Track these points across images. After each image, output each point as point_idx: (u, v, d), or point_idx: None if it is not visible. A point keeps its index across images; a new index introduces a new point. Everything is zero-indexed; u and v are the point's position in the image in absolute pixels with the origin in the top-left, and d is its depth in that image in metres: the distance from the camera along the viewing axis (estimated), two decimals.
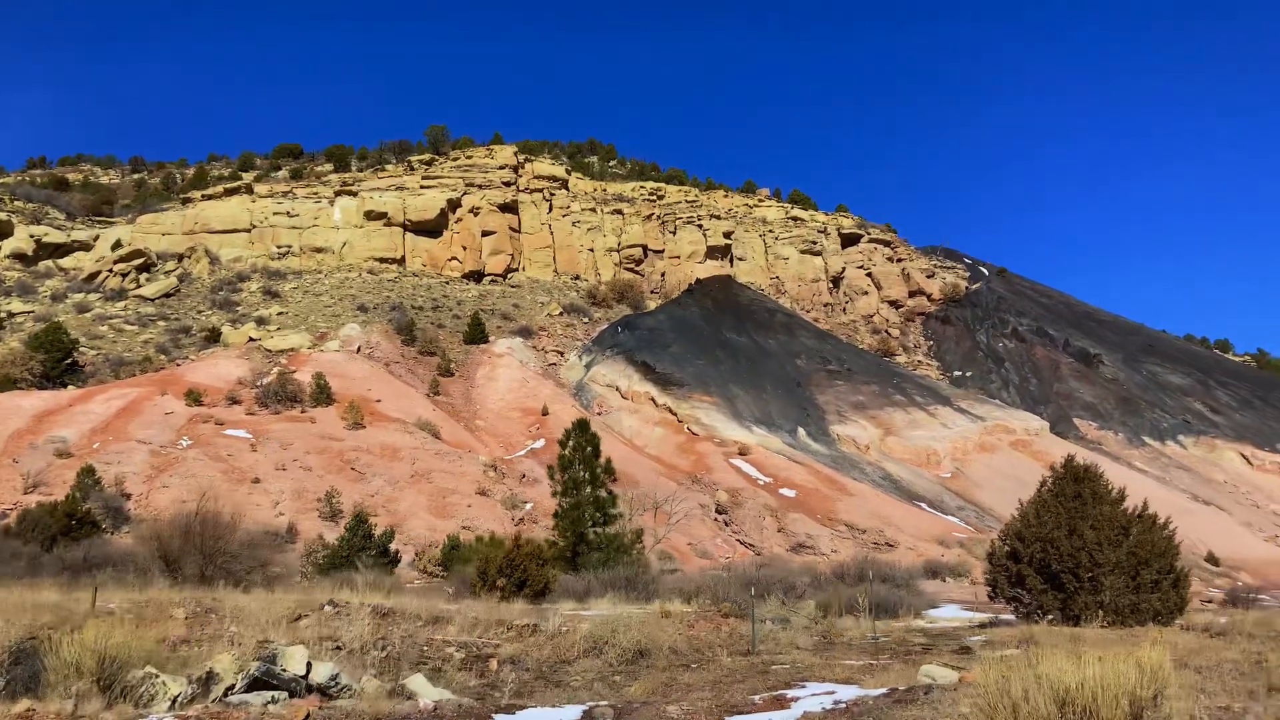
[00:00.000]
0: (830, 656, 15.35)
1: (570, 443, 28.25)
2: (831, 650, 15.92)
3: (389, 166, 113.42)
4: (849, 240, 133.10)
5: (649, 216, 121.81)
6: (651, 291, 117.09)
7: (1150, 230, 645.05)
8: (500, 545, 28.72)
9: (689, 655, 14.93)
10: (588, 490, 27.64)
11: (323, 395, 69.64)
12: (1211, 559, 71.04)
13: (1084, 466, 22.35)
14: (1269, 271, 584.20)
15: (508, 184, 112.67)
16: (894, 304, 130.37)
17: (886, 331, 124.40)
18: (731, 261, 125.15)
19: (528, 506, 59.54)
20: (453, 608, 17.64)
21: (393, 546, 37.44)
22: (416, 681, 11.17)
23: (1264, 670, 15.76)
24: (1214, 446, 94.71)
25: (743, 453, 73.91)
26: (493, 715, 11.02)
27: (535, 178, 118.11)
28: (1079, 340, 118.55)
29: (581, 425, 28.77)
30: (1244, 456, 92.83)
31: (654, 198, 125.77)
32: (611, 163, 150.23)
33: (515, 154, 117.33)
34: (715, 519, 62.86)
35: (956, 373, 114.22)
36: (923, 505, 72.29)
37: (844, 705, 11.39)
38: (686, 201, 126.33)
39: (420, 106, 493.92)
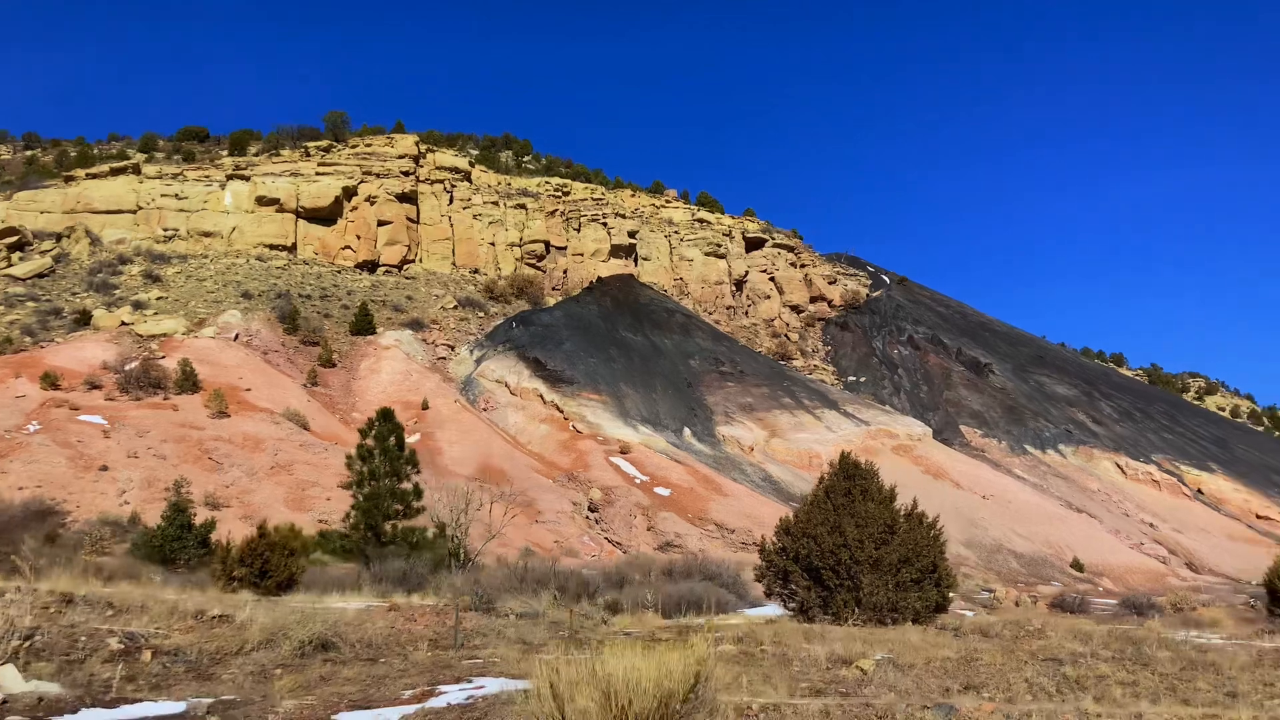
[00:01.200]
0: (543, 651, 14.84)
1: (373, 432, 27.28)
2: (545, 647, 15.36)
3: (284, 152, 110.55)
4: (754, 244, 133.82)
5: (553, 213, 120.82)
6: (553, 288, 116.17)
7: (1061, 248, 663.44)
8: (298, 536, 27.66)
9: (383, 649, 14.23)
10: (386, 482, 26.69)
11: (188, 382, 67.28)
12: (1077, 564, 72.74)
13: (857, 463, 22.14)
14: (1164, 289, 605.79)
15: (407, 174, 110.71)
16: (795, 309, 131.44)
17: (786, 336, 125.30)
18: (636, 261, 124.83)
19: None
20: (169, 597, 16.67)
21: (224, 538, 36.01)
22: (5, 674, 10.29)
23: (970, 667, 15.66)
24: (1091, 456, 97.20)
25: (624, 451, 73.47)
26: (83, 709, 10.22)
27: (437, 169, 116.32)
28: (971, 349, 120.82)
29: (385, 414, 27.86)
30: (1119, 466, 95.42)
31: (559, 194, 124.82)
32: (526, 158, 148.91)
33: (416, 144, 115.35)
34: (587, 517, 62.28)
35: (851, 378, 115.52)
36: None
37: (471, 701, 10.86)
38: (593, 199, 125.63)
39: (339, 98, 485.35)
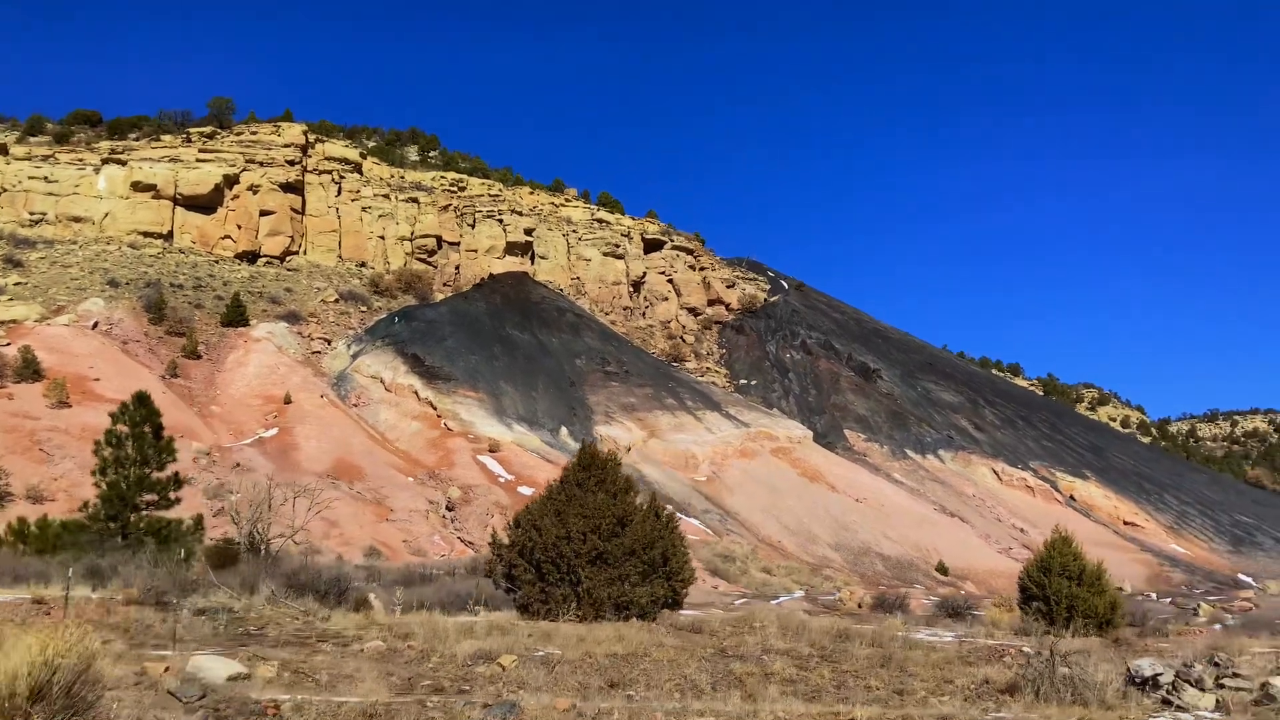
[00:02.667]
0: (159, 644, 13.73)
1: (125, 417, 25.66)
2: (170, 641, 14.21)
3: (166, 138, 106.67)
4: (653, 246, 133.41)
5: (447, 208, 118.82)
6: (444, 284, 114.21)
7: (974, 259, 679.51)
8: (47, 527, 25.91)
9: None
10: (134, 470, 25.12)
11: (29, 370, 64.13)
12: (942, 568, 73.49)
13: (597, 454, 21.29)
14: (1056, 299, 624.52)
15: (293, 163, 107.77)
16: (693, 311, 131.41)
17: (681, 338, 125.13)
18: (533, 259, 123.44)
19: (233, 496, 56.12)
20: None
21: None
22: None
23: (631, 664, 14.88)
24: (970, 461, 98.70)
25: (493, 450, 72.16)
26: None
27: (326, 159, 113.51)
28: (862, 355, 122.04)
29: (141, 399, 26.24)
30: (995, 472, 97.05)
31: (455, 189, 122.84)
32: (433, 153, 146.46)
33: (305, 133, 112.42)
34: (443, 516, 60.83)
35: (742, 381, 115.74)
36: (669, 508, 72.02)
37: None
38: (489, 195, 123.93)
39: (248, 88, 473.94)
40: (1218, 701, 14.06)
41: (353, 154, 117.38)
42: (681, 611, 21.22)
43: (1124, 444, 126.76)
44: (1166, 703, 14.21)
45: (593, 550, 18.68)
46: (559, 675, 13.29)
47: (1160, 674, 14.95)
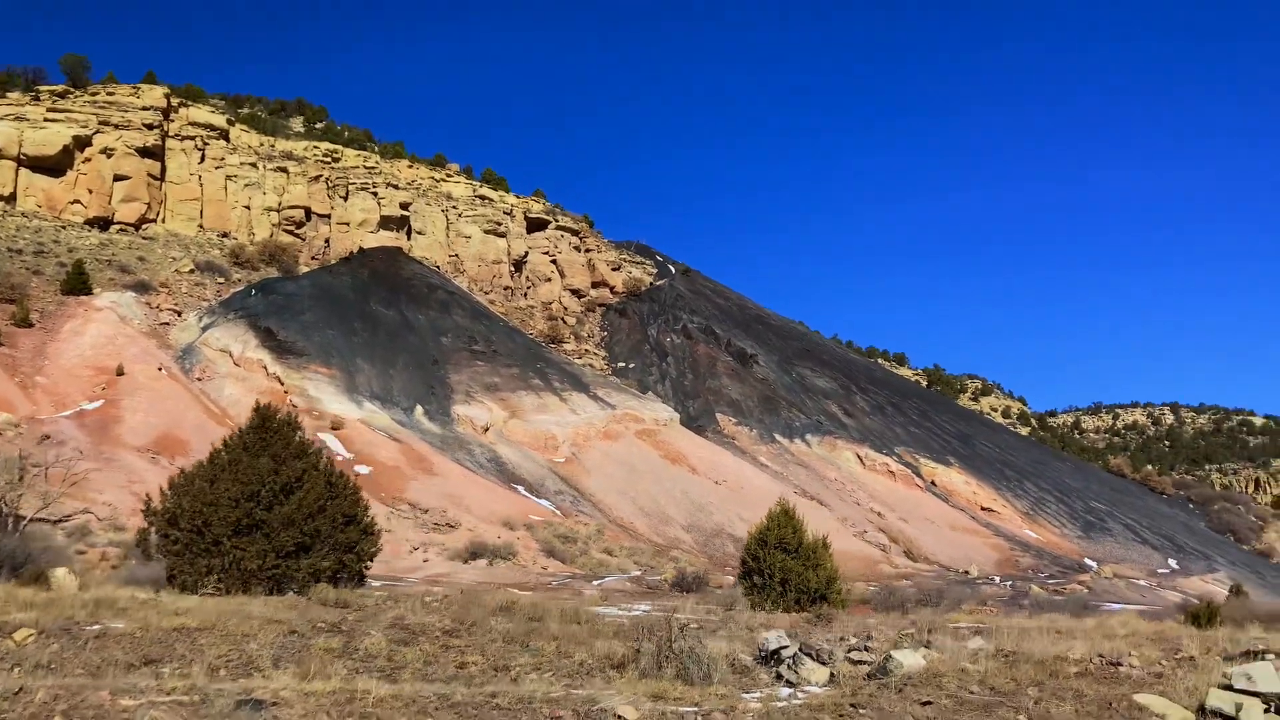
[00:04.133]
0: None
1: None
2: None
3: (12, 95, 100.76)
4: (536, 225, 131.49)
5: (317, 178, 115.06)
6: (313, 257, 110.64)
7: (876, 251, 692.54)
8: None
9: None
10: None
11: None
12: None
13: (271, 416, 19.71)
14: (951, 294, 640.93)
15: (152, 127, 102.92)
16: (576, 293, 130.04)
17: (562, 319, 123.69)
18: (410, 235, 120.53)
19: (35, 471, 52.95)
20: None
21: None
22: None
23: (191, 638, 13.53)
24: (835, 446, 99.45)
25: (335, 427, 69.82)
26: None
27: (190, 124, 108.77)
28: (741, 340, 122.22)
29: None
30: (859, 457, 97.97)
31: (329, 159, 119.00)
32: (318, 124, 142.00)
33: (166, 96, 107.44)
34: None
35: (620, 364, 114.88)
36: (520, 489, 70.87)
37: None
38: (365, 167, 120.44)
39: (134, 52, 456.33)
40: (832, 675, 13.29)
41: (219, 120, 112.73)
42: (370, 586, 19.89)
43: (993, 433, 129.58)
44: (780, 677, 13.42)
45: (245, 518, 17.18)
46: (85, 653, 11.81)
47: (784, 647, 14.18)
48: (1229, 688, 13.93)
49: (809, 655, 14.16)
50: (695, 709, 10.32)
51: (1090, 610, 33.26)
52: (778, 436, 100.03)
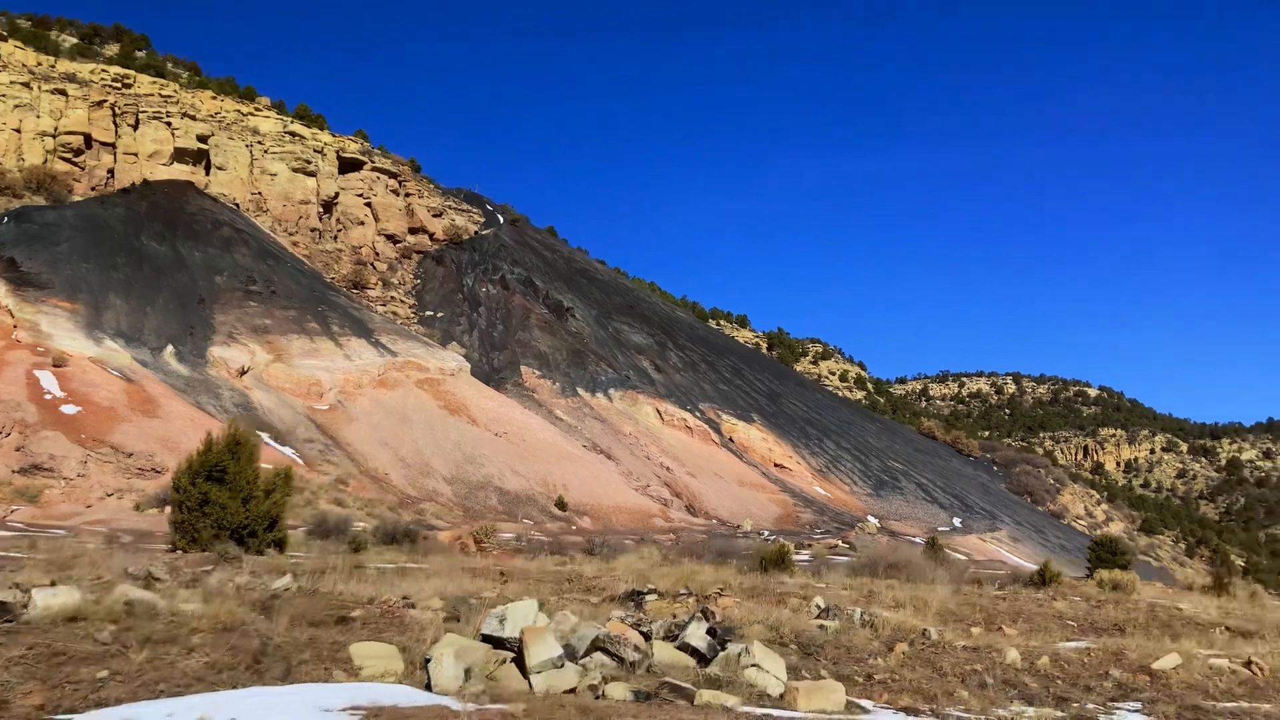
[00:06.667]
0: None
1: None
2: None
3: None
4: (351, 165, 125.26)
5: (101, 103, 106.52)
6: (92, 188, 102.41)
7: (732, 220, 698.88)
8: None
9: None
10: None
11: None
12: (560, 503, 71.38)
13: None
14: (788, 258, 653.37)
15: None
16: (391, 238, 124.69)
17: (372, 264, 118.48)
18: (209, 170, 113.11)
19: None
20: None
21: None
22: None
23: None
24: (636, 401, 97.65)
25: (58, 364, 63.92)
26: None
27: None
28: (562, 293, 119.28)
29: None
30: (659, 412, 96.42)
31: (118, 85, 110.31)
32: (141, 52, 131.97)
33: None
34: None
35: (429, 313, 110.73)
36: (265, 435, 66.38)
37: None
38: (160, 95, 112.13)
39: None
40: None
41: None
42: None
43: (807, 393, 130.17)
44: None
45: None
46: None
47: None
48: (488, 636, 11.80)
49: None
50: None
51: (724, 556, 31.50)
52: (580, 390, 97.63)
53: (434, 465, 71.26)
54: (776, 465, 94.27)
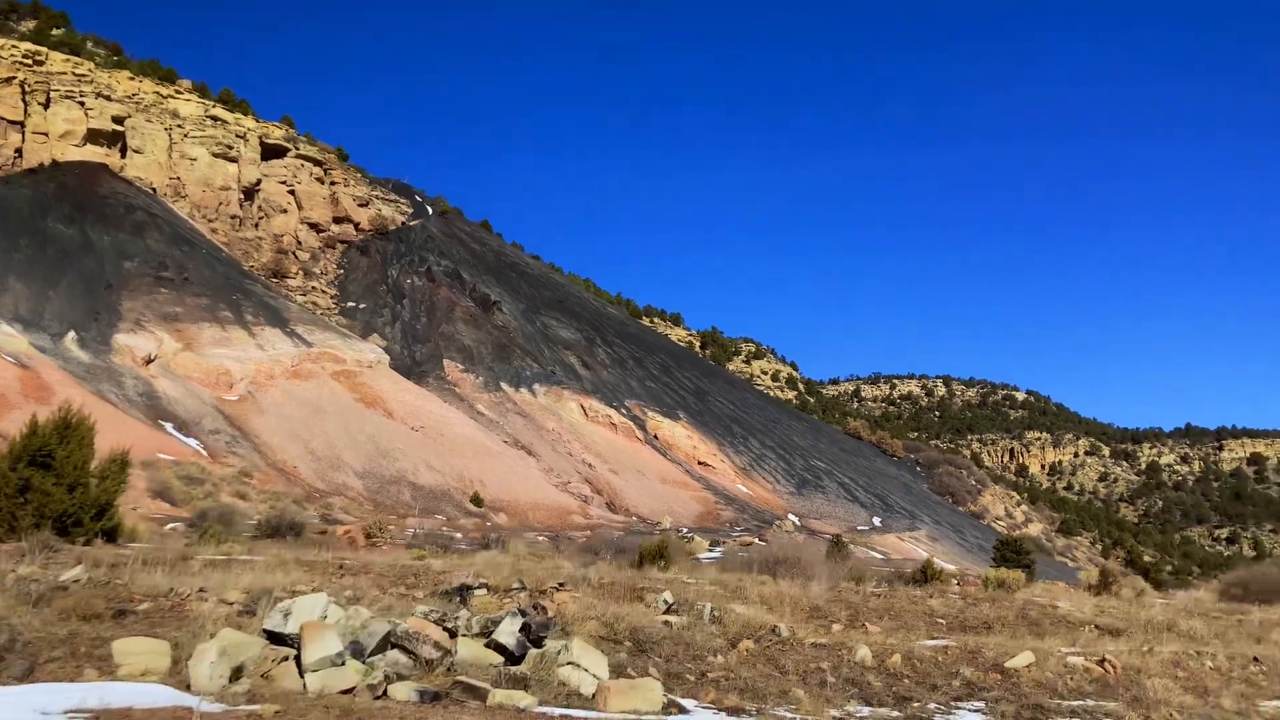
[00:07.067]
0: None
1: None
2: None
3: None
4: (274, 152, 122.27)
5: (10, 80, 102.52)
6: None
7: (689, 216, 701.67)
8: None
9: None
10: None
11: None
12: (477, 499, 70.19)
13: None
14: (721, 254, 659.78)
15: None
16: (315, 227, 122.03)
17: (294, 253, 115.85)
18: (125, 152, 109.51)
19: None
20: None
21: None
22: None
23: None
24: (561, 397, 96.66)
25: None
26: None
27: None
28: (490, 287, 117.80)
29: None
30: (584, 408, 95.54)
31: (29, 61, 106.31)
32: (58, 30, 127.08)
33: None
34: None
35: (351, 304, 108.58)
36: (168, 425, 64.28)
37: None
38: (74, 74, 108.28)
39: None
40: None
41: None
42: None
43: (734, 391, 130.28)
44: None
45: None
46: None
47: None
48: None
49: None
50: None
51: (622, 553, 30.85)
52: (504, 385, 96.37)
53: (345, 459, 69.59)
54: (700, 463, 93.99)
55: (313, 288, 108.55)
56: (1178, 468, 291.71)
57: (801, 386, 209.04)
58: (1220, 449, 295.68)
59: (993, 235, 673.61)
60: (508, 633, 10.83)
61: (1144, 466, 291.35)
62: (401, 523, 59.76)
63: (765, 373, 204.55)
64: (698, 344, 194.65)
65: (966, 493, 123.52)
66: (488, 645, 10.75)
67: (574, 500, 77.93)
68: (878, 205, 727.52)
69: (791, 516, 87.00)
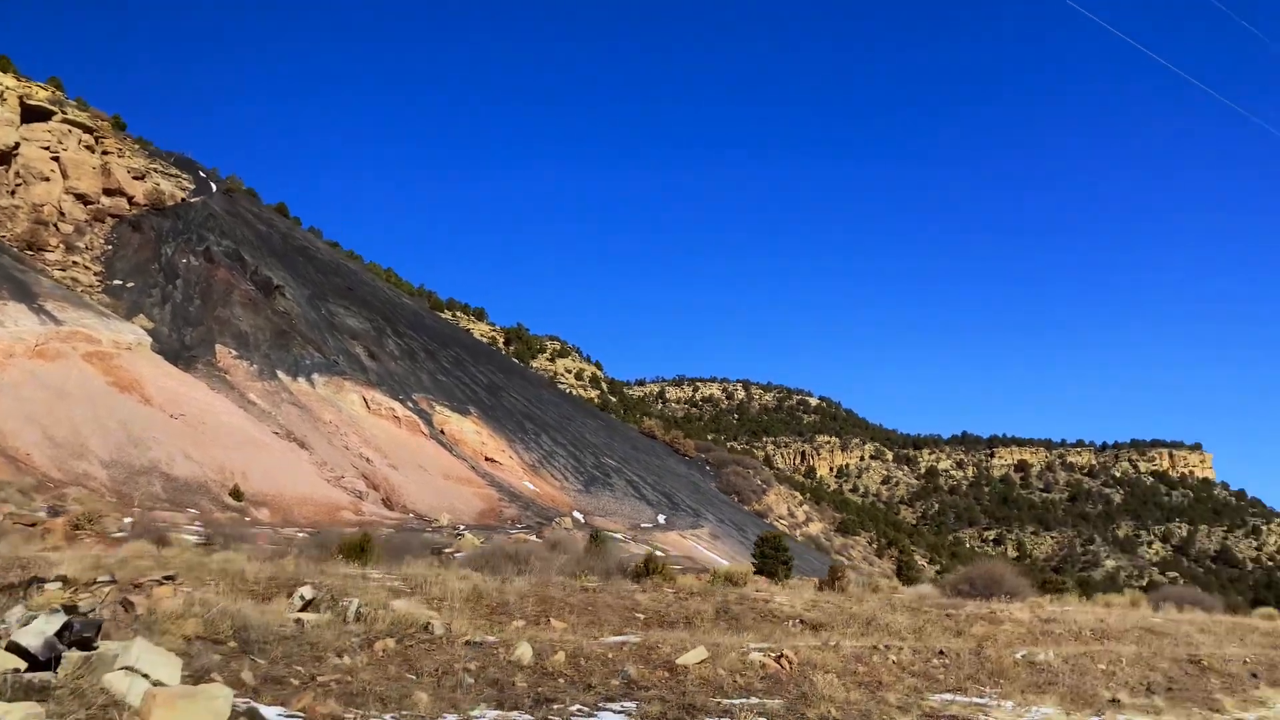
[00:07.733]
0: None
1: None
2: None
3: None
4: (38, 115, 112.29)
5: None
6: None
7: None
8: None
9: None
10: None
11: None
12: (236, 493, 66.19)
13: None
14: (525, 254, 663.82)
15: None
16: (82, 198, 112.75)
17: (56, 225, 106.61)
18: None
19: None
20: None
21: None
22: None
23: None
24: (342, 388, 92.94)
25: None
26: None
27: None
28: (273, 270, 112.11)
29: None
30: (366, 400, 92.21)
31: None
32: None
33: None
34: None
35: (118, 282, 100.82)
36: None
37: None
38: None
39: None
40: None
41: None
42: None
43: (530, 387, 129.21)
44: None
45: None
46: None
47: None
48: None
49: None
50: None
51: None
52: (280, 374, 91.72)
53: (91, 446, 64.19)
54: (488, 459, 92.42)
55: (74, 263, 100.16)
56: (954, 473, 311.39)
57: (605, 386, 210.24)
58: (992, 456, 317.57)
59: (788, 241, 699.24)
60: (35, 633, 9.34)
61: (924, 471, 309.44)
62: (149, 516, 55.62)
63: (570, 371, 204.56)
64: (501, 340, 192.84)
65: (752, 492, 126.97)
66: (7, 648, 9.24)
67: (347, 496, 74.86)
68: (702, 206, 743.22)
69: (576, 514, 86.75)
